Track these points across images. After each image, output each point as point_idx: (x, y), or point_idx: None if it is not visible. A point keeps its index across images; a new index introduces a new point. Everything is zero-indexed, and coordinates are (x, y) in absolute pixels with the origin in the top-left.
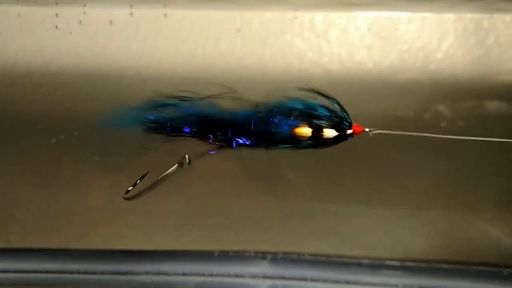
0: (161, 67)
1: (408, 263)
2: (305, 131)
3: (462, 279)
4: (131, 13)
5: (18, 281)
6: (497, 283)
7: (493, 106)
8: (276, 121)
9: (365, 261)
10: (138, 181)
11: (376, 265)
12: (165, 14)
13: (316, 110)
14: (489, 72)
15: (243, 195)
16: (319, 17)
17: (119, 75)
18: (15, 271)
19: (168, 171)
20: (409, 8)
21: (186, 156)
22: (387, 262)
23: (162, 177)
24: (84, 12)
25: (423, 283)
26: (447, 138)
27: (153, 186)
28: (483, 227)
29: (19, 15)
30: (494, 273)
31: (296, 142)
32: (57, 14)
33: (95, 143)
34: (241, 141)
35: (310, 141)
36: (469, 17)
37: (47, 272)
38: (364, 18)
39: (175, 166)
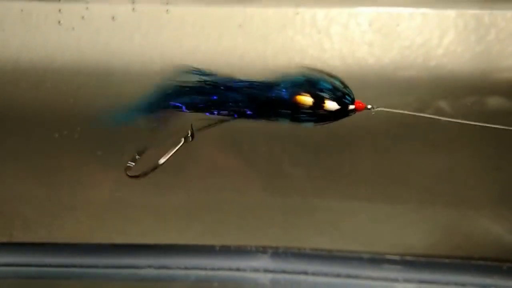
0: (163, 63)
1: (408, 258)
2: (306, 99)
3: (462, 273)
4: (133, 9)
5: (21, 274)
6: (496, 277)
7: (494, 102)
8: (277, 90)
9: (366, 256)
10: (137, 156)
11: (376, 260)
12: (167, 10)
13: (318, 83)
14: (490, 68)
15: (245, 191)
16: (321, 13)
17: (122, 71)
18: (19, 265)
19: (176, 148)
20: (410, 5)
21: (189, 131)
22: (388, 257)
23: (171, 155)
24: (87, 8)
25: (423, 277)
26: (450, 121)
27: (163, 164)
28: (483, 222)
29: (22, 10)
30: (494, 268)
31: (297, 111)
32: (60, 10)
33: (98, 138)
34: (240, 110)
35: (311, 111)
36: (470, 13)
37: (50, 266)
38: (365, 14)
39: (181, 143)
